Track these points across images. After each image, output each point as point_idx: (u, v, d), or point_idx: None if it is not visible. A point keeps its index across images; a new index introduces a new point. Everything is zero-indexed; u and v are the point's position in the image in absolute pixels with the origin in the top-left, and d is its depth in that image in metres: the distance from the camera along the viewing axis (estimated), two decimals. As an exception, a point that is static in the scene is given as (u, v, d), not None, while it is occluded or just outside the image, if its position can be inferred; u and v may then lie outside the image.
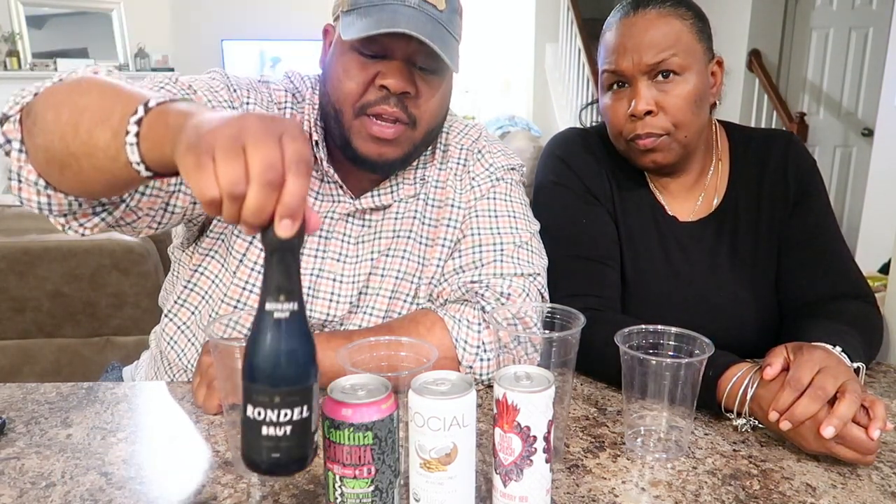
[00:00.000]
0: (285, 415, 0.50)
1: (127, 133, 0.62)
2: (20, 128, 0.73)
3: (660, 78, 0.99)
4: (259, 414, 0.50)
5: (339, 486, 0.58)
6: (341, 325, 1.00)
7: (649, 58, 0.98)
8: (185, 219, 0.95)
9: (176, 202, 0.88)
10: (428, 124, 0.95)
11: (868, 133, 4.07)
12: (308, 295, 0.97)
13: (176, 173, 0.58)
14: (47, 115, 0.70)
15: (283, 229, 0.50)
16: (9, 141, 0.74)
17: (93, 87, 0.71)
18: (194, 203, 0.91)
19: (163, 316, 1.03)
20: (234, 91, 0.93)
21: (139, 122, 0.62)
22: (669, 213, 1.11)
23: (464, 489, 0.61)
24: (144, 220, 0.87)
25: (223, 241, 0.98)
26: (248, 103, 0.94)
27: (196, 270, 1.00)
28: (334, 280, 0.98)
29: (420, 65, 0.90)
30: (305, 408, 0.51)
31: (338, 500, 0.59)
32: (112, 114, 0.64)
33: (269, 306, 0.50)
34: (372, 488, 0.58)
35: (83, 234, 0.82)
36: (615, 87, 1.04)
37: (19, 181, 0.75)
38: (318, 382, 0.53)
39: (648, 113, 1.00)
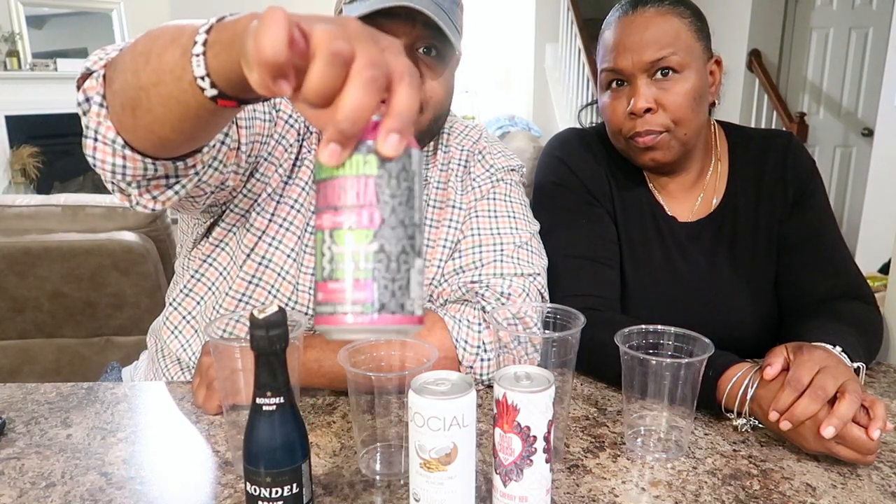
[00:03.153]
0: (276, 492, 0.57)
1: (194, 44, 0.54)
2: (103, 83, 0.67)
3: (659, 76, 0.99)
4: (255, 490, 0.57)
5: (329, 248, 0.43)
6: None
7: (648, 55, 0.98)
8: (231, 196, 0.94)
9: (229, 183, 0.87)
10: (434, 110, 0.95)
11: (868, 133, 4.07)
12: (309, 295, 0.97)
13: (243, 94, 0.53)
14: (125, 56, 0.64)
15: (390, 147, 0.41)
16: (88, 99, 0.68)
17: (174, 22, 0.64)
18: (244, 182, 0.91)
19: (167, 306, 1.02)
20: None
21: (209, 31, 0.54)
22: (669, 213, 1.11)
23: (464, 489, 0.61)
24: (208, 198, 0.85)
25: (234, 233, 0.98)
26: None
27: (205, 261, 1.00)
28: None
29: (423, 47, 0.90)
30: (295, 485, 0.58)
31: (325, 271, 0.43)
32: (183, 33, 0.57)
33: (259, 400, 0.57)
34: (375, 246, 0.42)
35: (153, 209, 0.76)
36: (614, 85, 1.04)
37: (95, 139, 0.68)
38: (309, 460, 0.59)
39: (648, 110, 1.00)
